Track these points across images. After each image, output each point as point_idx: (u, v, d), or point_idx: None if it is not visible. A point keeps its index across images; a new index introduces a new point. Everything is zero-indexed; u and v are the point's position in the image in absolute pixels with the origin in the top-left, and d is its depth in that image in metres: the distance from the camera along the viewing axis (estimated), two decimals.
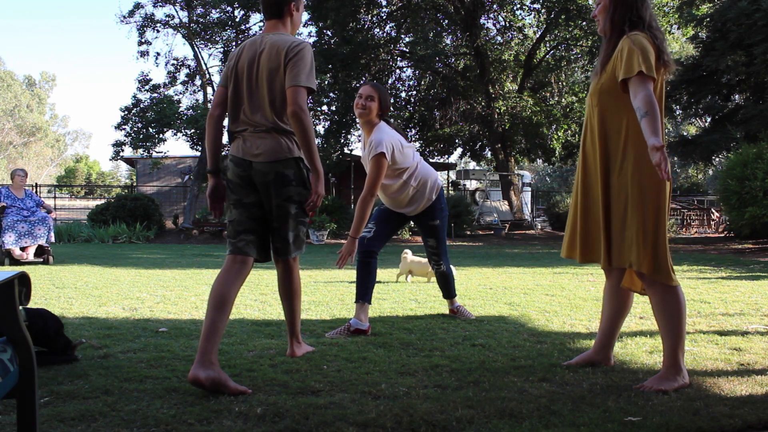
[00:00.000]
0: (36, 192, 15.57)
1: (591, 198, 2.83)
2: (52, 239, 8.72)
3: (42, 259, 8.52)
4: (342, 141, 19.43)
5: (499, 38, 20.73)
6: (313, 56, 2.81)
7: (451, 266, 4.38)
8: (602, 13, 2.78)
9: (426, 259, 6.35)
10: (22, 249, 8.39)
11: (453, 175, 26.31)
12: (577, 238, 2.87)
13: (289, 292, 3.06)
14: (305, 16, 18.95)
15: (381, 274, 6.56)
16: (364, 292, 3.80)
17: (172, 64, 19.88)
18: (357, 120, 3.85)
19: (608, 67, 2.73)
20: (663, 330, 2.72)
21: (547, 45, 20.06)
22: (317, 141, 20.77)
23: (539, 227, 19.36)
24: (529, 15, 20.33)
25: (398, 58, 21.34)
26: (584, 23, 17.64)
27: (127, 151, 18.52)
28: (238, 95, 2.85)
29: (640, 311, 4.52)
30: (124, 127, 17.96)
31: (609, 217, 2.74)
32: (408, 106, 21.62)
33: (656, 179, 2.61)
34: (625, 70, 2.58)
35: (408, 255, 6.38)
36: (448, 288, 4.35)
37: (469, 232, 16.77)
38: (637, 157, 2.64)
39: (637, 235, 2.64)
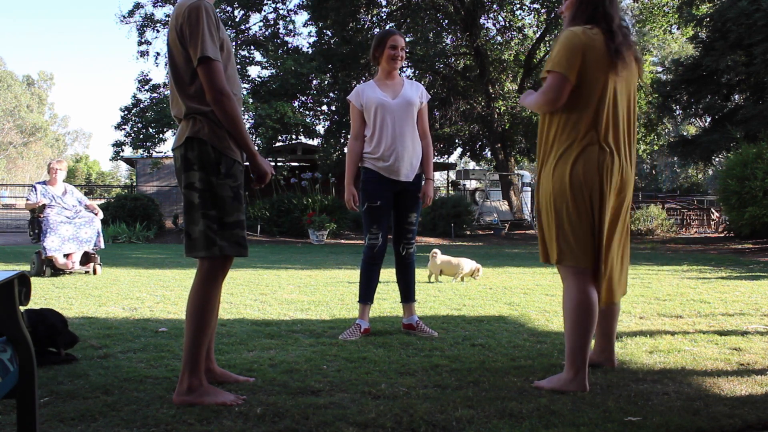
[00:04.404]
0: None
1: None
2: (102, 245, 7.17)
3: (88, 269, 7.01)
4: (342, 141, 19.43)
5: (499, 38, 20.73)
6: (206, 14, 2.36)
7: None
8: (568, 9, 2.76)
9: (457, 259, 6.34)
10: (66, 256, 6.84)
11: (453, 175, 26.29)
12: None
13: (187, 308, 2.47)
14: (305, 15, 18.91)
15: (381, 274, 6.53)
16: (370, 294, 3.85)
17: None
18: (381, 68, 3.81)
19: None
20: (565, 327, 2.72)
21: (547, 45, 20.03)
22: (317, 141, 20.65)
23: None
24: (529, 15, 20.35)
25: None
26: None
27: (127, 151, 18.51)
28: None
29: (640, 311, 4.52)
30: (124, 127, 17.96)
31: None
32: None
33: (566, 178, 2.61)
34: (545, 67, 2.67)
35: (438, 255, 6.34)
36: (411, 283, 3.97)
37: (469, 232, 16.76)
38: (557, 154, 2.66)
39: (542, 230, 2.74)
